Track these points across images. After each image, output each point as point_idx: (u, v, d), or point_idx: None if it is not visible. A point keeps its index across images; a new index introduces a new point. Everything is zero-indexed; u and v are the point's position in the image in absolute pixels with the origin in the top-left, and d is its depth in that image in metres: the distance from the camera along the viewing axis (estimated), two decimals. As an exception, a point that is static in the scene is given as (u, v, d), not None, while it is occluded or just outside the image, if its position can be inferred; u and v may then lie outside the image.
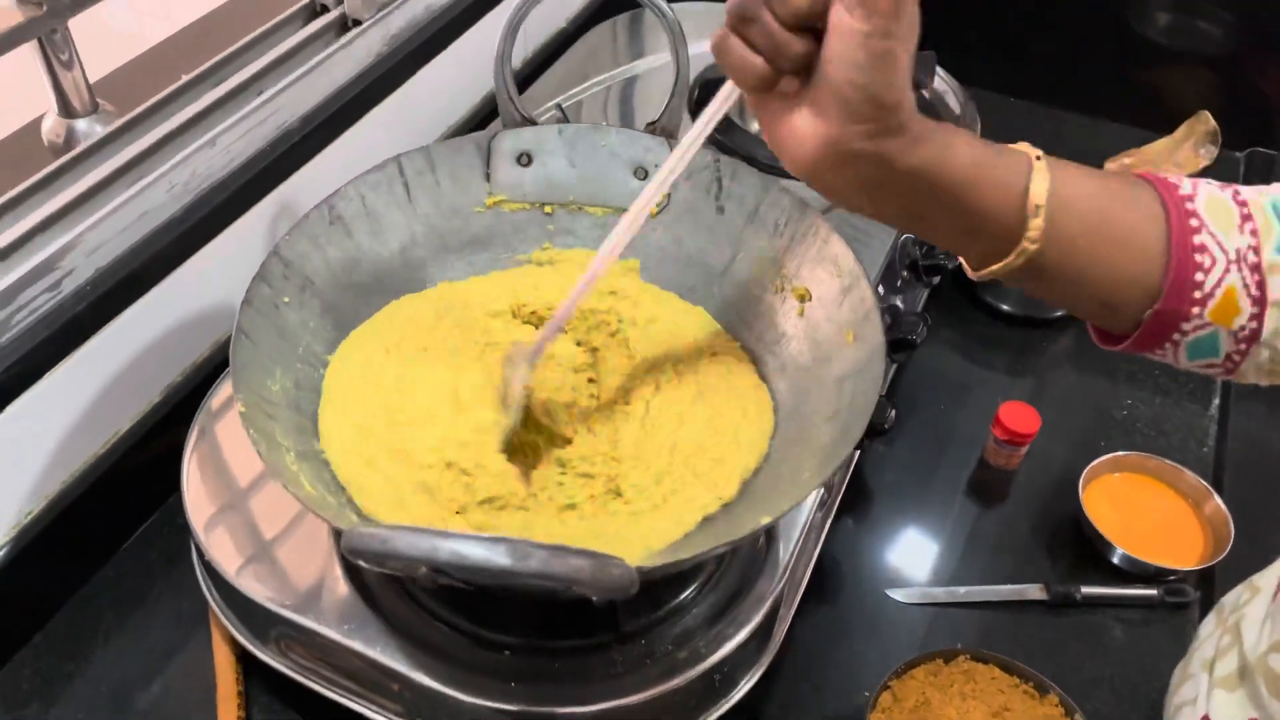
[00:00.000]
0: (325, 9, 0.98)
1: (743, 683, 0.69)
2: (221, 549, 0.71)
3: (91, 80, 0.85)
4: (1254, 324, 0.49)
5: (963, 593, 0.83)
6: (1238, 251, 0.48)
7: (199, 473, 0.75)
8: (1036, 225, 0.47)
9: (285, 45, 0.94)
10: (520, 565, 0.42)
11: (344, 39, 0.95)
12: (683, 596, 0.69)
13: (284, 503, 0.72)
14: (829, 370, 0.68)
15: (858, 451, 0.82)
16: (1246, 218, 0.49)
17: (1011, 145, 0.49)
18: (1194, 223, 0.49)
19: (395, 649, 0.65)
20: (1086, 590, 0.83)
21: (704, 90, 1.04)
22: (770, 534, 0.72)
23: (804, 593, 0.75)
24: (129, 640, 0.78)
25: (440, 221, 0.78)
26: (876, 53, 0.42)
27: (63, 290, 0.74)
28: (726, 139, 1.01)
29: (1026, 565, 0.86)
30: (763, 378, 0.73)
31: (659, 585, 0.68)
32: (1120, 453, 0.90)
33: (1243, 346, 0.50)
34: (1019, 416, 0.90)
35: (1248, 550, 0.83)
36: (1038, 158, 0.48)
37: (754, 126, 1.05)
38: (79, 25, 0.80)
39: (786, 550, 0.73)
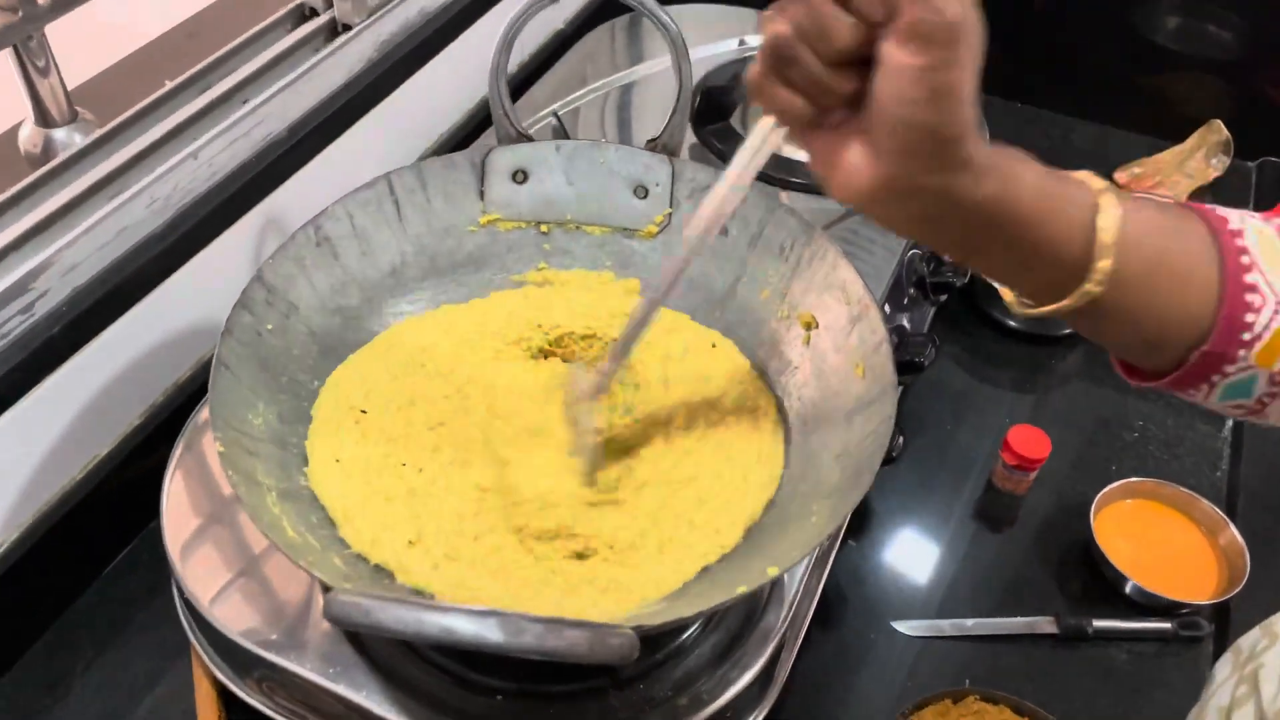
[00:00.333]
0: (315, 13, 0.95)
1: (745, 727, 0.66)
2: (201, 582, 0.68)
3: (71, 86, 0.82)
4: None
5: (971, 625, 0.81)
6: None
7: (179, 501, 0.72)
8: (1103, 268, 0.44)
9: (273, 51, 0.90)
10: (514, 642, 0.39)
11: (334, 44, 0.92)
12: (683, 639, 0.66)
13: (268, 535, 0.69)
14: (837, 404, 0.66)
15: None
16: None
17: (1074, 174, 0.46)
18: (1245, 260, 0.46)
19: (382, 694, 0.62)
20: (1098, 624, 0.80)
21: (706, 99, 1.01)
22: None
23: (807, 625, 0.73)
24: (108, 672, 0.75)
25: (432, 241, 0.75)
26: (935, 88, 0.38)
27: (35, 313, 0.71)
28: (724, 147, 0.98)
29: (1035, 594, 0.84)
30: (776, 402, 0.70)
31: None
32: (1133, 479, 0.87)
33: (1275, 389, 0.48)
34: (1029, 441, 0.87)
35: (1264, 582, 0.81)
36: (1102, 190, 0.45)
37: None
38: (62, 26, 0.76)
39: (791, 585, 0.70)
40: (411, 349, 0.71)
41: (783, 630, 0.67)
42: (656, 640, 0.65)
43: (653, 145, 0.76)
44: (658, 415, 0.68)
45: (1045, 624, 0.81)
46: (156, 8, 1.01)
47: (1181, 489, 0.86)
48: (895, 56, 0.38)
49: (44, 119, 0.81)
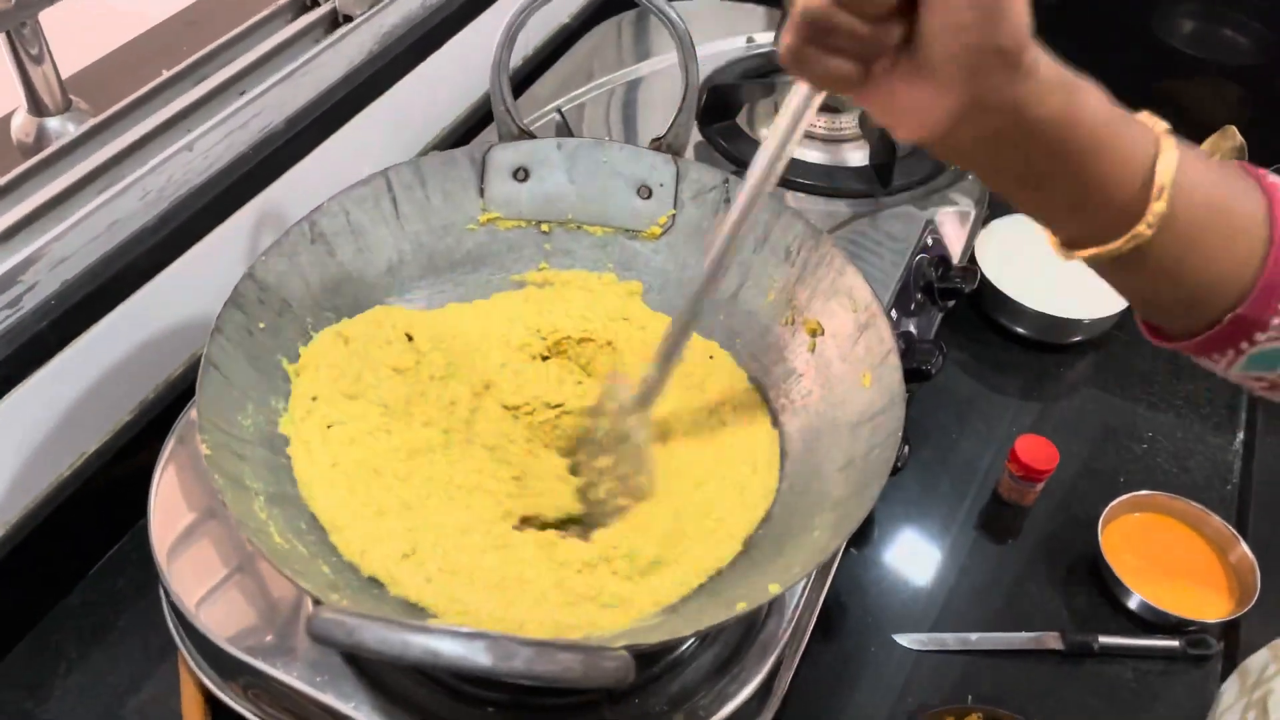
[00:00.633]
0: (316, 3, 0.93)
1: (742, 742, 0.64)
2: (188, 584, 0.66)
3: (67, 75, 0.81)
4: None
5: (974, 639, 0.79)
6: None
7: (168, 500, 0.70)
8: (1157, 210, 0.43)
9: (272, 41, 0.89)
10: (503, 665, 0.37)
11: (333, 36, 0.90)
12: (681, 652, 0.64)
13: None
14: (842, 414, 0.64)
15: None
16: None
17: (1137, 114, 0.45)
18: None
19: (371, 705, 0.61)
20: (1104, 640, 0.78)
21: (712, 96, 0.99)
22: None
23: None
24: (92, 675, 0.73)
25: (430, 239, 0.73)
26: (986, 7, 0.38)
27: (23, 307, 0.69)
28: (730, 146, 0.97)
29: (1040, 609, 0.82)
30: (771, 416, 0.69)
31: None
32: (1142, 492, 0.86)
33: None
34: (1036, 451, 0.85)
35: (1275, 601, 0.79)
36: (1164, 133, 0.44)
37: (762, 133, 1.00)
38: (58, 12, 0.75)
39: (792, 597, 0.68)
40: (406, 348, 0.70)
41: (783, 643, 0.65)
42: (654, 654, 0.63)
43: (657, 144, 0.74)
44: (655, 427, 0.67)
45: (1050, 639, 0.79)
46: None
47: (1192, 503, 0.85)
48: None
49: (37, 107, 0.80)
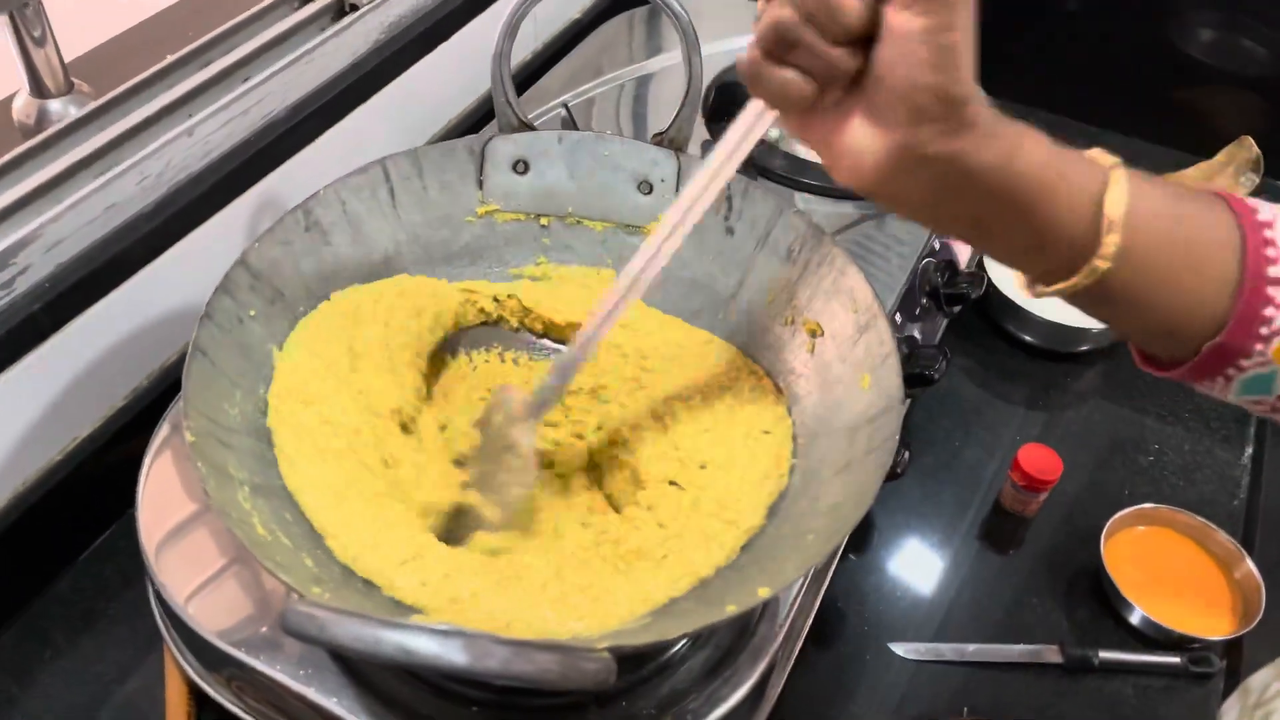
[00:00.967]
0: (321, -9, 0.93)
1: (730, 749, 0.63)
2: (175, 574, 0.65)
3: (71, 58, 0.80)
4: None
5: (971, 651, 0.78)
6: None
7: (157, 489, 0.69)
8: (1111, 242, 0.43)
9: (276, 29, 0.88)
10: (479, 665, 0.36)
11: (339, 24, 0.90)
12: (671, 654, 0.63)
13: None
14: (839, 417, 0.63)
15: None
16: None
17: (1086, 151, 0.45)
18: (1270, 252, 0.44)
19: (354, 700, 0.60)
20: (1105, 655, 0.77)
21: (719, 95, 0.98)
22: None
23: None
24: (78, 663, 0.73)
25: (427, 231, 0.72)
26: (941, 47, 0.39)
27: (15, 289, 0.68)
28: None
29: (1039, 621, 0.81)
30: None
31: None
32: (1147, 505, 0.84)
33: None
34: (1040, 461, 0.84)
35: (1279, 619, 0.77)
36: (1114, 166, 0.44)
37: (770, 134, 0.99)
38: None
39: (787, 600, 0.67)
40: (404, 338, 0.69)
41: (776, 647, 0.64)
42: (642, 656, 0.62)
43: (659, 139, 0.73)
44: (642, 412, 0.65)
45: (1049, 653, 0.78)
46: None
47: (1197, 518, 0.83)
48: (900, 21, 0.39)
49: (39, 89, 0.79)
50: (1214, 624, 0.79)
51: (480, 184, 0.73)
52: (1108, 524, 0.82)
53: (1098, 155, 0.45)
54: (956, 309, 0.93)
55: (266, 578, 0.65)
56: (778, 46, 0.41)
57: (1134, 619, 0.79)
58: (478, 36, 1.03)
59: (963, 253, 0.95)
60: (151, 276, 0.76)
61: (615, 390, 0.68)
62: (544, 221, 0.75)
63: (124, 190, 0.74)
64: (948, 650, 0.78)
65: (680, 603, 0.56)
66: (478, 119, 1.08)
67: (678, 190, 0.73)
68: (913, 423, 0.94)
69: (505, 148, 0.73)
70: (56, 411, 0.74)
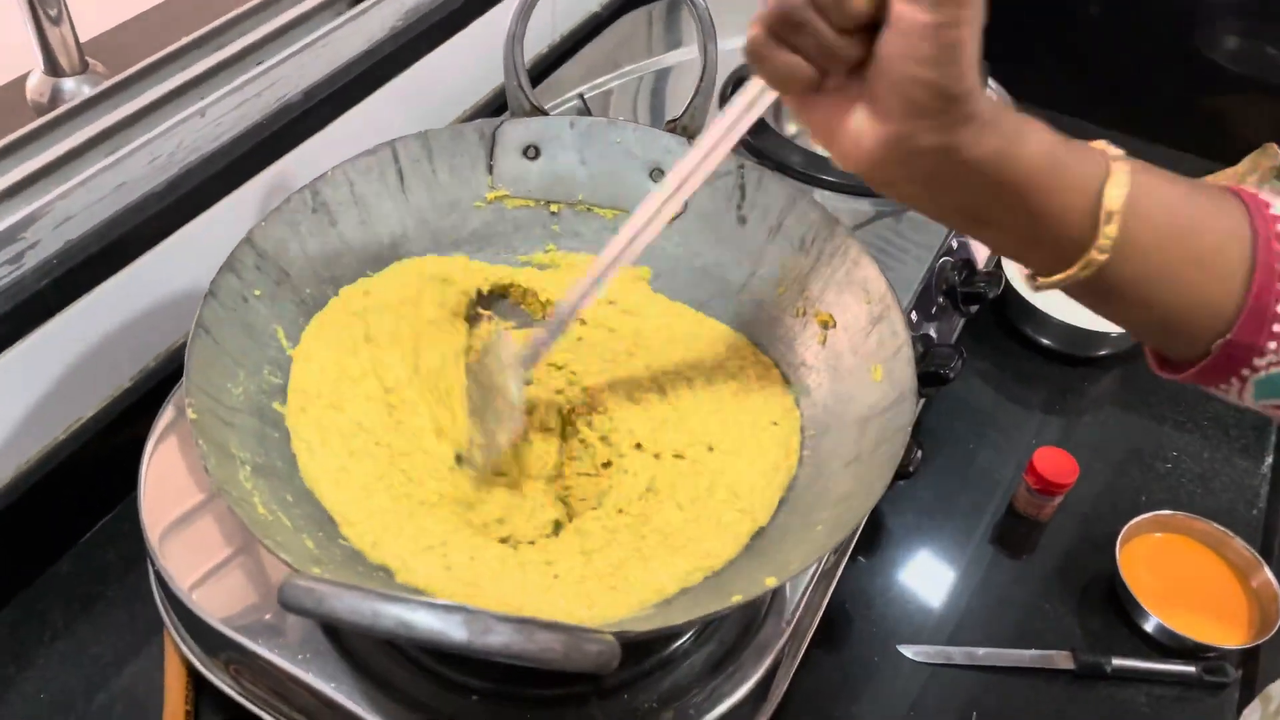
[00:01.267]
0: (338, -24, 0.92)
1: (733, 747, 0.62)
2: (175, 558, 0.65)
3: (87, 38, 0.80)
4: None
5: (982, 655, 0.76)
6: None
7: (160, 471, 0.69)
8: (1108, 234, 0.42)
9: (292, 13, 0.87)
10: (479, 641, 0.35)
11: (355, 9, 0.89)
12: (674, 647, 0.62)
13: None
14: (850, 409, 0.62)
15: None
16: None
17: (1089, 142, 0.44)
18: None
19: (352, 685, 0.59)
20: (1118, 662, 0.75)
21: (736, 88, 0.97)
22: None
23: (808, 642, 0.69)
24: (76, 645, 0.72)
25: (435, 215, 0.71)
26: (945, 44, 0.38)
27: (24, 264, 0.68)
28: (755, 141, 0.95)
29: (1052, 627, 0.79)
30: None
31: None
32: (1163, 512, 0.82)
33: None
34: (1055, 464, 0.83)
35: (1298, 629, 0.76)
36: (1116, 158, 0.43)
37: (789, 130, 0.98)
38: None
39: (794, 597, 0.66)
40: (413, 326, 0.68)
41: (781, 644, 0.63)
42: (646, 647, 0.61)
43: (672, 126, 0.72)
44: (645, 399, 0.65)
45: (1061, 659, 0.76)
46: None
47: (1214, 525, 0.82)
48: (907, 13, 0.38)
49: (53, 68, 0.79)
50: (1230, 633, 0.77)
51: (490, 169, 0.72)
52: (1123, 530, 0.81)
53: (1103, 147, 0.44)
54: (973, 308, 0.92)
55: (268, 565, 0.65)
56: (782, 28, 0.41)
57: (1148, 626, 0.78)
58: (495, 25, 1.03)
59: (980, 252, 0.94)
60: (161, 257, 0.76)
61: (602, 355, 0.67)
62: (554, 208, 0.74)
63: (135, 169, 0.73)
64: (957, 654, 0.76)
65: (688, 593, 0.55)
66: (493, 110, 1.07)
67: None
68: (926, 424, 0.93)
69: (517, 132, 0.72)
70: (61, 390, 0.73)
